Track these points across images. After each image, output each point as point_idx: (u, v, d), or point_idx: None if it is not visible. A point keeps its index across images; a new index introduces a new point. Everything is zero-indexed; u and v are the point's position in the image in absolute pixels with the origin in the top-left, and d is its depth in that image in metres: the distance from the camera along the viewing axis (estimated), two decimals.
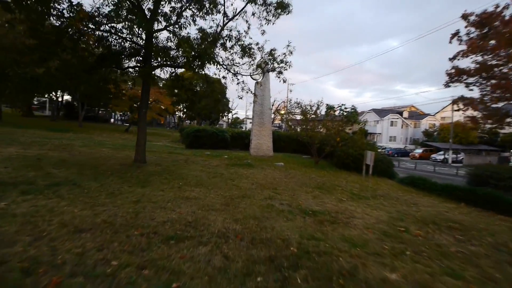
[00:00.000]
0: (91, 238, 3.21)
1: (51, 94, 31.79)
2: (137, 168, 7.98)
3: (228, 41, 8.50)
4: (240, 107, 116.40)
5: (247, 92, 9.81)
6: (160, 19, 7.85)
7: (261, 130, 15.84)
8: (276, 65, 9.27)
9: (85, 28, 6.75)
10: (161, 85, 34.94)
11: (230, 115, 53.85)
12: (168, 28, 8.29)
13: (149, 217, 4.09)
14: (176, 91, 37.12)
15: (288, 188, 7.34)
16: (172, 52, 8.06)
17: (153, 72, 8.98)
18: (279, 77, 9.28)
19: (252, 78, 14.33)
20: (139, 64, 9.16)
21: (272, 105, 28.80)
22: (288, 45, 8.99)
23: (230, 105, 49.50)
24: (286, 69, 9.28)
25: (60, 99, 36.33)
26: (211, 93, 35.50)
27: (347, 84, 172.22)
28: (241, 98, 10.61)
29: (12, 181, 5.31)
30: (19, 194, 4.55)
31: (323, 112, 14.99)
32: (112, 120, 54.01)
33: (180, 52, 7.49)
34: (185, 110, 45.99)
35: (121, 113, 50.38)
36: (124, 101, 24.34)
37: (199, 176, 7.74)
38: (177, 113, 49.24)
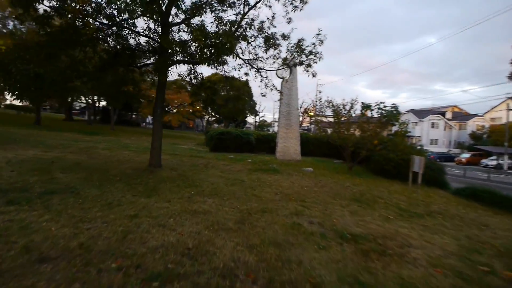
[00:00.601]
0: (49, 274, 2.37)
1: (87, 99, 33.51)
2: (149, 173, 7.31)
3: (249, 29, 7.54)
4: (268, 109, 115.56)
5: (271, 89, 8.77)
6: (174, 11, 7.14)
7: (288, 132, 14.67)
8: (304, 57, 8.14)
9: (88, 19, 6.26)
10: (189, 89, 35.38)
11: (257, 117, 53.32)
12: (185, 22, 7.59)
13: (140, 240, 3.21)
14: (203, 94, 37.34)
15: (319, 200, 6.14)
16: (188, 45, 7.29)
17: (170, 70, 8.33)
18: (307, 71, 8.13)
19: (277, 76, 13.28)
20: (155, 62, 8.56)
21: (300, 107, 27.44)
22: (318, 34, 7.82)
23: (257, 108, 49.01)
24: (316, 62, 8.11)
25: (96, 104, 38.28)
26: (231, 89, 34.92)
27: (380, 84, 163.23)
28: (264, 95, 9.60)
29: (7, 187, 4.80)
30: (2, 204, 3.95)
31: (357, 112, 13.42)
32: (144, 123, 56.11)
33: (194, 43, 6.69)
34: (212, 113, 46.23)
35: (152, 117, 52.13)
36: (151, 104, 24.62)
37: (215, 183, 6.84)
38: (205, 116, 49.70)
